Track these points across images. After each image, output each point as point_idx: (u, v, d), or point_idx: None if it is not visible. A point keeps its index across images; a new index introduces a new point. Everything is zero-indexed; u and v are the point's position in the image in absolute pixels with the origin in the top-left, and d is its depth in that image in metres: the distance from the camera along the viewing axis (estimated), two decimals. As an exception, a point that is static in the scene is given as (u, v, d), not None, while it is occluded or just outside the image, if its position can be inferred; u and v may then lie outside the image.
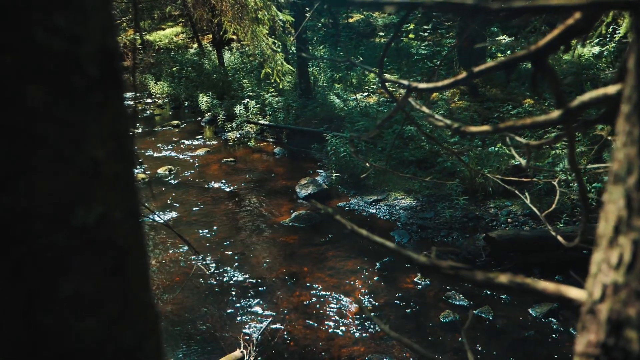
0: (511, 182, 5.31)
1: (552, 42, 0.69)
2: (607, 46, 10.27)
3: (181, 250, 6.30)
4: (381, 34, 16.78)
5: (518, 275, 0.63)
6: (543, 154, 7.31)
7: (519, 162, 7.15)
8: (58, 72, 0.35)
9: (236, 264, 5.97)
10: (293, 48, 13.04)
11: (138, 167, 8.19)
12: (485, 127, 0.74)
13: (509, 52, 12.29)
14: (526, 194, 2.03)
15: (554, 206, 1.95)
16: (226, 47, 17.42)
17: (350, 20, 18.08)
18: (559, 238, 1.40)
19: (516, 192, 1.96)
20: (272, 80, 8.97)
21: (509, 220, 6.50)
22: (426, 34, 14.85)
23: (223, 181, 8.81)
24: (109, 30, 0.39)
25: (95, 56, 0.38)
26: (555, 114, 0.67)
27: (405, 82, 0.94)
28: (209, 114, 13.26)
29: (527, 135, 7.69)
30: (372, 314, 4.82)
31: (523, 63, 0.76)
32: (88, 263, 0.37)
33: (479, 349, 4.36)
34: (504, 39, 12.98)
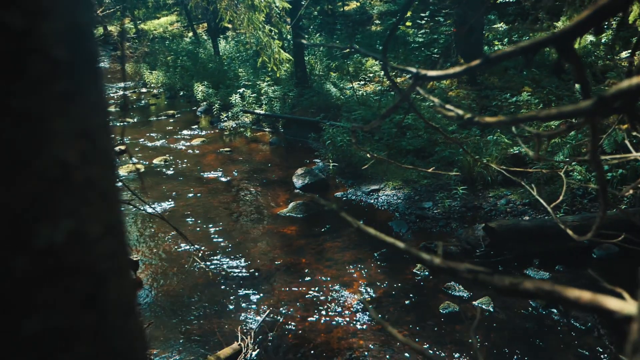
0: (513, 172, 5.25)
1: (580, 24, 0.62)
2: (605, 33, 10.17)
3: (177, 241, 6.24)
4: (377, 22, 16.63)
5: (545, 281, 0.57)
6: (541, 142, 7.25)
7: (518, 151, 7.10)
8: (13, 54, 0.28)
9: (233, 255, 5.92)
10: (289, 36, 12.91)
11: (130, 160, 8.10)
12: (501, 118, 0.67)
13: (506, 40, 12.19)
14: (532, 185, 1.98)
15: (561, 197, 1.89)
16: (222, 36, 17.28)
17: (346, 9, 17.91)
18: (569, 232, 1.34)
19: (522, 183, 1.90)
20: (269, 69, 8.87)
21: (508, 209, 6.45)
22: (423, 22, 14.71)
23: (219, 171, 8.74)
24: (81, 2, 0.32)
25: (61, 34, 0.30)
26: (586, 103, 0.60)
27: (413, 70, 0.87)
28: (205, 103, 13.15)
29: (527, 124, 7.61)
30: (371, 307, 4.79)
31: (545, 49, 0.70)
32: (56, 294, 0.30)
33: (480, 340, 4.33)
34: (501, 27, 12.88)
